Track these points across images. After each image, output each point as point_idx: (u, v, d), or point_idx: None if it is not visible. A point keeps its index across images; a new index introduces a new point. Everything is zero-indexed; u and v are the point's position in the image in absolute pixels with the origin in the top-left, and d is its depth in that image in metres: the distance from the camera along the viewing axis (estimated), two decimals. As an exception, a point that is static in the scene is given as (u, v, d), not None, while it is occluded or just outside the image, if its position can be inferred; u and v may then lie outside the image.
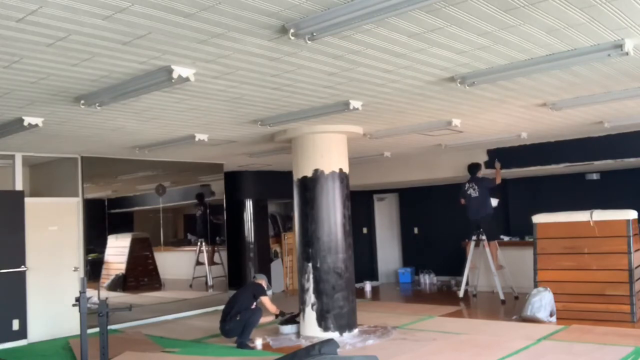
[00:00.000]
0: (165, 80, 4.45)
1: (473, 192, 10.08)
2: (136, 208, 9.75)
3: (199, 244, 10.49)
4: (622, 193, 10.15)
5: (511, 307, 9.19)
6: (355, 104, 5.92)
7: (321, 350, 5.24)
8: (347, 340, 7.03)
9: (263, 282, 7.68)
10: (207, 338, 7.74)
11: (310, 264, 7.36)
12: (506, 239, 11.00)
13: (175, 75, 4.33)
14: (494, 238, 10.13)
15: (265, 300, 7.46)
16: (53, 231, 8.44)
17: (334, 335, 7.02)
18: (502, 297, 9.70)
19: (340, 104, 5.97)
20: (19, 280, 7.90)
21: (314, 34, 3.61)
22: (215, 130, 7.14)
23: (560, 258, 8.15)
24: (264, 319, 7.39)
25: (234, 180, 11.65)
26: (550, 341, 6.67)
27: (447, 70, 4.87)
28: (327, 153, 7.41)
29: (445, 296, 10.59)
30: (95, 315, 5.82)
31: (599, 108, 6.83)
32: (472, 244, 10.20)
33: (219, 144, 8.17)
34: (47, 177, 9.25)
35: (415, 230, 13.35)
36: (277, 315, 7.57)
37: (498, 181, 9.95)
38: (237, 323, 7.06)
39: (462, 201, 10.25)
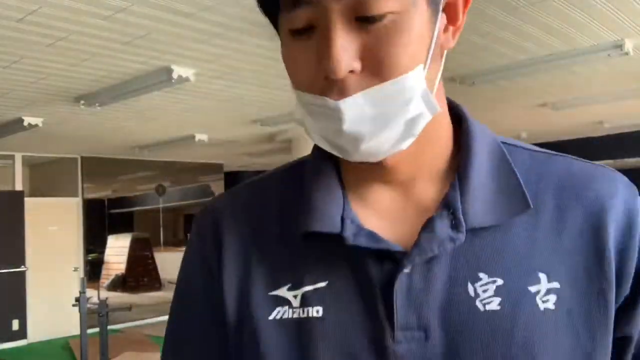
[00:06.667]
0: (165, 80, 4.45)
1: None
2: (136, 208, 9.74)
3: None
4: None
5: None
6: (355, 104, 5.90)
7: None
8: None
9: None
10: (207, 338, 7.73)
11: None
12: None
13: (175, 75, 4.33)
14: None
15: None
16: (53, 231, 8.44)
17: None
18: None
19: (340, 104, 5.95)
20: (19, 280, 7.90)
21: (314, 33, 3.60)
22: (215, 130, 7.14)
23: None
24: None
25: (234, 180, 11.63)
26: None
27: (447, 70, 4.82)
28: (327, 153, 7.40)
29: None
30: (95, 315, 5.82)
31: (599, 108, 6.83)
32: None
33: (219, 144, 8.17)
34: (47, 177, 9.24)
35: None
36: None
37: None
38: None
39: None
